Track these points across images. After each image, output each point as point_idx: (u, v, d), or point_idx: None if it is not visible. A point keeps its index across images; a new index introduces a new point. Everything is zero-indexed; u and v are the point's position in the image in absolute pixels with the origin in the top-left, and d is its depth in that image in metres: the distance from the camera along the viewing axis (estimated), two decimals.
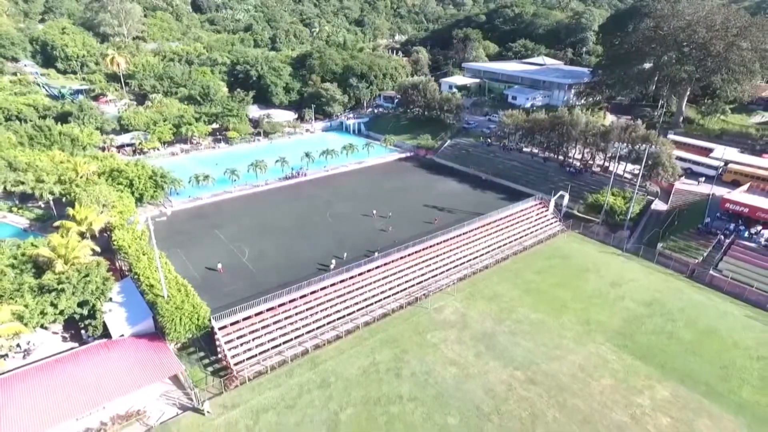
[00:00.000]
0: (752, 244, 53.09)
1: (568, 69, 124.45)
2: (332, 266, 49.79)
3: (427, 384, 37.51)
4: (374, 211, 65.32)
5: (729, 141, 79.80)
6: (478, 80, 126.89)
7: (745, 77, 77.46)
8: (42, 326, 41.24)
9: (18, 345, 39.53)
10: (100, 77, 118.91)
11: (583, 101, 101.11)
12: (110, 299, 43.06)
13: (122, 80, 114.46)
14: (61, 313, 40.08)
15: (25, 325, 37.95)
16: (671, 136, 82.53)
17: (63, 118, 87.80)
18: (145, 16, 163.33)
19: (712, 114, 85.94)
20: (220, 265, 50.54)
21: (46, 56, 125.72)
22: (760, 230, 53.66)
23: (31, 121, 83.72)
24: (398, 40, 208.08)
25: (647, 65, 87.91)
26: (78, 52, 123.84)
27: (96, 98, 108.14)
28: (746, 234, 54.08)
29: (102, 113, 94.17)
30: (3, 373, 35.68)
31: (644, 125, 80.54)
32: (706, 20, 76.78)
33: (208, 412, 34.41)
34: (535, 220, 65.14)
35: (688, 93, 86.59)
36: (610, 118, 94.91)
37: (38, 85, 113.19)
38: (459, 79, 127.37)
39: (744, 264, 51.59)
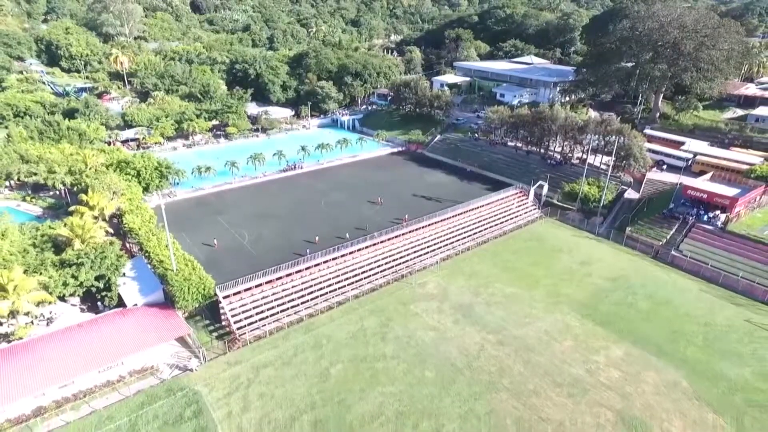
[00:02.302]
0: (710, 227, 58.01)
1: (554, 68, 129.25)
2: (317, 240, 56.05)
3: (408, 345, 42.18)
4: (380, 198, 70.58)
5: (701, 135, 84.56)
6: (468, 79, 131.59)
7: (714, 75, 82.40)
8: (62, 298, 45.76)
9: (42, 314, 44.04)
10: (103, 76, 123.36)
11: (567, 98, 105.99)
12: (123, 274, 47.59)
13: (125, 78, 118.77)
14: (81, 285, 44.58)
15: (50, 293, 42.51)
16: (647, 131, 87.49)
17: (70, 114, 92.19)
18: (146, 16, 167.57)
19: (686, 110, 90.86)
20: (215, 241, 55.40)
21: (50, 55, 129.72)
22: (718, 214, 58.55)
23: (39, 117, 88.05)
24: (394, 40, 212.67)
25: (626, 64, 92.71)
26: (82, 52, 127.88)
27: (100, 96, 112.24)
28: (705, 218, 58.97)
29: (107, 110, 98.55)
30: (31, 337, 40.21)
31: (619, 119, 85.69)
32: (677, 21, 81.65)
33: (194, 369, 39.07)
34: (516, 207, 69.87)
35: (663, 90, 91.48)
36: (593, 115, 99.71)
37: (43, 83, 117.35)
38: (450, 78, 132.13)
39: (702, 245, 56.46)
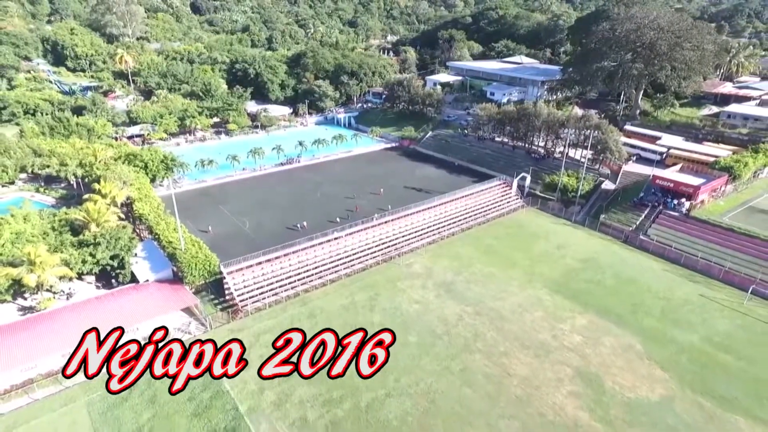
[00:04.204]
0: (675, 213, 62.85)
1: (542, 67, 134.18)
2: (305, 225, 61.16)
3: (394, 315, 46.86)
4: (381, 190, 75.30)
5: (677, 131, 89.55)
6: (460, 78, 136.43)
7: (688, 74, 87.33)
8: (79, 277, 50.26)
9: (62, 290, 48.56)
10: (107, 75, 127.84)
11: (554, 96, 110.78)
12: (135, 255, 52.18)
13: (129, 77, 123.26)
14: (97, 263, 49.12)
15: (71, 269, 47.05)
16: (627, 127, 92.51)
17: (78, 111, 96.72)
18: (147, 17, 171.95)
19: (663, 107, 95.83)
20: (210, 227, 59.85)
21: (56, 55, 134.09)
22: (683, 201, 63.36)
23: (48, 114, 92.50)
24: (390, 41, 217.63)
25: (607, 63, 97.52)
26: (87, 52, 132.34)
27: (105, 94, 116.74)
28: (671, 205, 63.79)
29: (112, 107, 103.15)
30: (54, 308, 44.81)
31: (603, 116, 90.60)
32: (653, 23, 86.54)
33: (193, 334, 43.82)
34: (499, 197, 74.59)
35: (642, 88, 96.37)
36: (578, 112, 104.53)
37: (50, 82, 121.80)
38: (443, 77, 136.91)
39: (668, 229, 61.29)
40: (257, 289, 49.27)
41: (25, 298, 47.35)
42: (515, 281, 53.58)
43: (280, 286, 50.32)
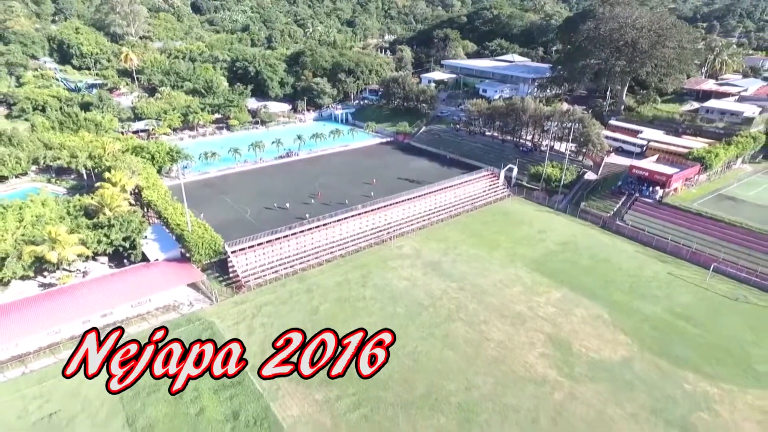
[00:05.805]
0: (649, 200, 67.12)
1: (533, 65, 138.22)
2: (287, 206, 67.24)
3: (384, 290, 51.07)
4: (374, 179, 79.26)
5: (659, 125, 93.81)
6: (454, 75, 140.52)
7: (668, 71, 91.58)
8: (93, 257, 54.34)
9: (78, 269, 52.68)
10: (112, 73, 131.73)
11: (544, 93, 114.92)
12: (145, 237, 56.30)
13: (134, 75, 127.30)
14: (111, 243, 53.20)
15: (87, 248, 51.14)
16: (612, 122, 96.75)
17: (85, 107, 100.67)
18: (149, 17, 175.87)
19: (646, 102, 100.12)
20: (202, 215, 63.57)
21: (62, 54, 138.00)
22: (656, 189, 67.61)
23: (57, 110, 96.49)
24: (387, 40, 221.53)
25: (593, 61, 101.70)
26: (92, 50, 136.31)
27: (110, 91, 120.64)
28: (646, 193, 68.04)
29: (118, 103, 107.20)
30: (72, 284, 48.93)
31: (590, 112, 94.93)
32: (634, 23, 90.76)
33: (191, 303, 48.03)
34: (488, 187, 78.81)
35: (626, 85, 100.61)
36: (565, 107, 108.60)
37: (56, 79, 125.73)
38: (438, 75, 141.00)
39: (642, 215, 65.57)
40: (259, 267, 53.48)
41: (45, 276, 51.50)
42: (498, 261, 57.78)
43: (280, 265, 54.54)
